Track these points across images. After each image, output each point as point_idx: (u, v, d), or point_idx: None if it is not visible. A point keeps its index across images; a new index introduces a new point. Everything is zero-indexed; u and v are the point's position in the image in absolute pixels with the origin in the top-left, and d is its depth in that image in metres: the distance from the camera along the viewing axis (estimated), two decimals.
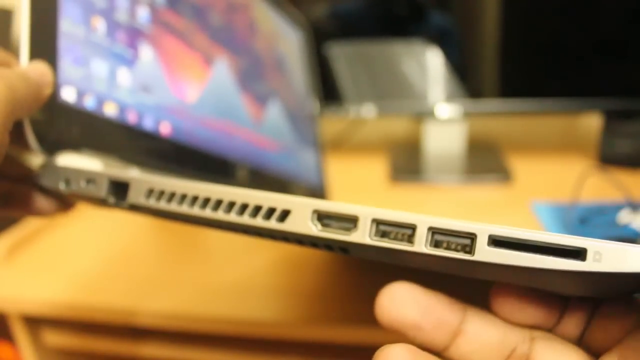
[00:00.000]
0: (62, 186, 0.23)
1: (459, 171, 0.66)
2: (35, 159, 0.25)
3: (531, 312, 0.17)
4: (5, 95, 0.20)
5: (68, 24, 0.27)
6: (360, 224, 0.17)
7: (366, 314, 0.39)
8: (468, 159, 0.69)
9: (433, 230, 0.16)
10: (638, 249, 0.14)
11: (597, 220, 0.50)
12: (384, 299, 0.17)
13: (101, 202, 0.23)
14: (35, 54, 0.25)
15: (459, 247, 0.16)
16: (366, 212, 0.17)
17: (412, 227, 0.16)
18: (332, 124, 0.77)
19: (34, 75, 0.24)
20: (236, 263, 0.47)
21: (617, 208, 0.52)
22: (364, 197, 0.62)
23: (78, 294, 0.43)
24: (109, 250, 0.50)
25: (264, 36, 0.46)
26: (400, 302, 0.17)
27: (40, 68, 0.24)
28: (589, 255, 0.14)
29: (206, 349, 0.45)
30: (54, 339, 0.48)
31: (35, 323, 0.48)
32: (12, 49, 0.26)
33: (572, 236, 0.14)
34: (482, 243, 0.15)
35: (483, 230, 0.15)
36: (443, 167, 0.67)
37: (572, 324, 0.18)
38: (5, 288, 0.45)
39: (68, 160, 0.24)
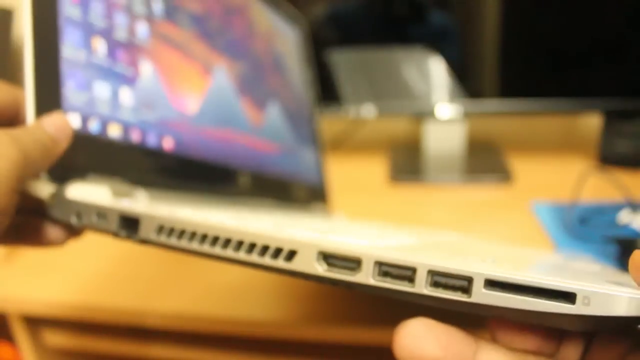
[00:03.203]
0: (73, 220, 0.24)
1: (459, 171, 0.66)
2: (45, 188, 0.25)
3: (531, 340, 0.18)
4: (16, 159, 0.20)
5: (69, 49, 0.27)
6: (364, 265, 0.18)
7: (366, 314, 0.39)
8: (468, 159, 0.69)
9: (432, 273, 0.17)
10: (625, 294, 0.14)
11: (597, 220, 0.50)
12: (404, 337, 0.17)
13: (113, 235, 0.23)
14: (39, 85, 0.24)
15: (457, 286, 0.17)
16: (369, 255, 0.18)
17: (413, 269, 0.17)
18: (332, 124, 0.77)
19: (51, 130, 0.23)
20: None
21: (617, 208, 0.52)
22: (364, 197, 0.62)
23: (78, 294, 0.43)
24: (109, 251, 0.50)
25: (262, 37, 0.46)
26: (421, 339, 0.17)
27: (59, 122, 0.24)
28: (578, 299, 0.15)
29: (205, 349, 0.45)
30: (54, 339, 0.48)
31: (35, 323, 0.48)
32: (12, 49, 0.26)
33: (563, 280, 0.15)
34: (478, 286, 0.16)
35: (479, 274, 0.16)
36: (443, 167, 0.67)
37: (572, 349, 0.18)
38: (5, 288, 0.45)
39: (78, 191, 0.25)
